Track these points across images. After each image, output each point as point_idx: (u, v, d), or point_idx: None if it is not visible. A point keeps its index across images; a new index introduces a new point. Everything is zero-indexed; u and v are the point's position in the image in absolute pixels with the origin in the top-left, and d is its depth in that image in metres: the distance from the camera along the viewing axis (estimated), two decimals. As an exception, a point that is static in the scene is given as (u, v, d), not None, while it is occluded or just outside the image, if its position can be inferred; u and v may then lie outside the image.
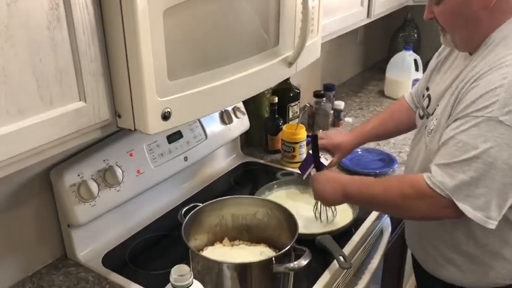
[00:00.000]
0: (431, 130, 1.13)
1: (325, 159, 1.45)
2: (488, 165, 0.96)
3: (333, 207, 1.39)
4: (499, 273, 1.14)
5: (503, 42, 1.03)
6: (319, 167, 1.40)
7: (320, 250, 1.25)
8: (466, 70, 1.08)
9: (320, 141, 1.43)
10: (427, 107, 1.22)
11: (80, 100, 0.87)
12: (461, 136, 1.00)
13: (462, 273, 1.18)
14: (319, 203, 1.37)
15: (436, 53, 1.34)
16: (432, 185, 1.02)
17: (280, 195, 1.53)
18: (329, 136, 1.48)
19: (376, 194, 1.14)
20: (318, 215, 1.39)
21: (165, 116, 0.93)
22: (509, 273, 1.14)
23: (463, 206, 1.00)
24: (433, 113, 1.18)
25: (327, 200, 1.26)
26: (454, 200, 1.00)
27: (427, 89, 1.28)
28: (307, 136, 1.73)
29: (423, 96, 1.30)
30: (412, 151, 1.29)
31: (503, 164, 0.96)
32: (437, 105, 1.16)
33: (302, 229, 1.18)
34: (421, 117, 1.26)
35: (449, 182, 1.00)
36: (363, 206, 1.24)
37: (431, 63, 1.34)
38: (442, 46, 1.30)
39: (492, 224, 1.00)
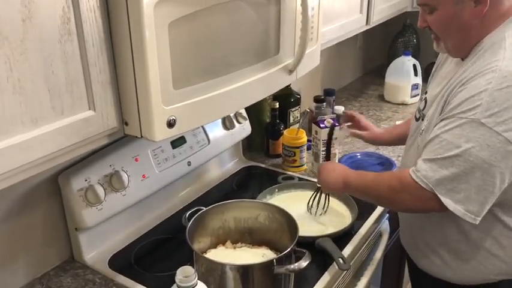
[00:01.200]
0: (422, 131, 1.20)
1: (336, 149, 1.66)
2: (469, 163, 1.03)
3: (325, 205, 1.46)
4: (487, 268, 1.18)
5: (490, 49, 1.08)
6: (328, 154, 1.53)
7: (320, 252, 1.29)
8: (457, 75, 1.13)
9: (359, 115, 1.63)
10: (423, 109, 1.27)
11: (89, 109, 0.91)
12: (446, 135, 1.06)
13: (452, 269, 1.22)
14: (313, 197, 1.46)
15: (437, 59, 1.39)
16: (416, 178, 1.09)
17: (281, 199, 1.57)
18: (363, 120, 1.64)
19: (369, 185, 1.23)
20: (309, 207, 1.46)
21: (170, 124, 0.97)
22: (498, 269, 1.18)
23: (444, 200, 1.06)
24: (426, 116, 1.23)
25: (327, 184, 1.34)
26: (437, 193, 1.06)
27: (426, 92, 1.33)
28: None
29: (420, 99, 1.36)
30: (407, 152, 1.34)
31: (483, 162, 1.02)
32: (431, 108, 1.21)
33: (302, 232, 1.21)
34: (417, 119, 1.30)
35: (433, 176, 1.06)
36: (358, 196, 1.32)
37: (433, 69, 1.39)
38: (439, 56, 1.35)
39: (471, 218, 1.05)
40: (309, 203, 1.47)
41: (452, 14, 1.09)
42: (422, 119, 1.25)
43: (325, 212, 1.47)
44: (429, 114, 1.19)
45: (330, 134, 1.57)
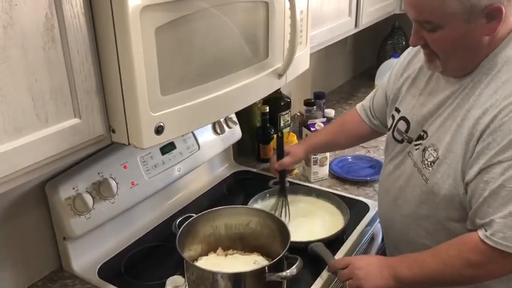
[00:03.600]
0: (431, 162, 1.09)
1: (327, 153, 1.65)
2: None
3: (288, 213, 1.46)
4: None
5: (505, 67, 1.00)
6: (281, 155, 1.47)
7: (313, 257, 1.28)
8: (468, 99, 1.03)
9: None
10: (406, 131, 1.19)
11: (75, 117, 0.89)
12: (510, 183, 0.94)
13: None
14: (281, 203, 1.46)
15: (395, 70, 1.30)
16: (497, 245, 0.96)
17: (272, 204, 1.55)
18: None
19: (437, 271, 1.04)
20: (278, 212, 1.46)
21: (158, 130, 0.95)
22: None
23: None
24: (418, 139, 1.15)
25: (377, 287, 1.09)
26: None
27: (397, 110, 1.24)
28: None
29: (392, 117, 1.26)
30: (389, 178, 1.25)
31: None
32: (425, 133, 1.12)
33: (294, 237, 1.20)
34: (399, 141, 1.22)
35: None
36: (418, 286, 1.11)
37: (394, 79, 1.29)
38: (401, 64, 1.27)
39: None
40: (275, 210, 1.46)
41: (462, 33, 0.98)
42: (409, 142, 1.18)
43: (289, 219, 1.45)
44: (439, 146, 1.07)
45: (280, 145, 1.48)
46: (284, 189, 1.52)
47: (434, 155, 1.08)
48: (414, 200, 1.16)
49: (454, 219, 1.09)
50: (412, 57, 1.27)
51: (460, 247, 1.03)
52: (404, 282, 1.08)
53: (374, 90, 1.45)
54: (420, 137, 1.15)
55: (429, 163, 1.10)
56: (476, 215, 1.01)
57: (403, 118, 1.21)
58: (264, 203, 1.55)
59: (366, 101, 1.47)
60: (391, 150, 1.27)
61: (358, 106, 1.49)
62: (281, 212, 1.46)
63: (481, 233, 0.99)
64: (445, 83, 1.12)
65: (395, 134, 1.24)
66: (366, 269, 1.11)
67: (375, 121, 1.43)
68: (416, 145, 1.16)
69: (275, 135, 1.56)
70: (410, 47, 1.27)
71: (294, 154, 1.47)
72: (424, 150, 1.12)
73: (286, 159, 1.46)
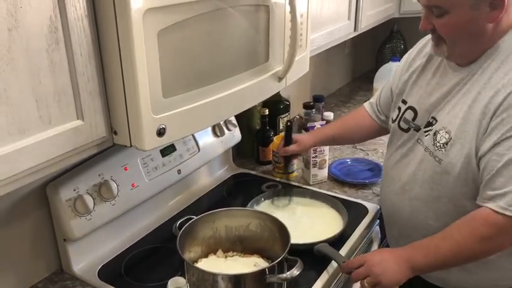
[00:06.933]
0: (444, 144, 1.13)
1: (326, 156, 1.70)
2: None
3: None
4: (494, 276, 1.15)
5: None
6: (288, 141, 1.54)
7: (313, 259, 1.28)
8: (478, 84, 1.09)
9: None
10: (413, 119, 1.24)
11: (78, 119, 0.89)
12: None
13: (455, 278, 1.19)
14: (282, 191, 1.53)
15: (401, 65, 1.36)
16: (510, 213, 0.99)
17: (267, 206, 1.55)
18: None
19: (452, 253, 1.06)
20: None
21: (160, 132, 0.96)
22: (508, 277, 1.15)
23: None
24: (427, 126, 1.19)
25: (392, 279, 1.09)
26: None
27: (404, 101, 1.29)
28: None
29: (398, 108, 1.31)
30: (398, 164, 1.29)
31: None
32: (434, 119, 1.16)
33: (294, 239, 1.20)
34: (406, 130, 1.27)
35: None
36: (435, 271, 1.15)
37: (400, 75, 1.35)
38: (406, 59, 1.34)
39: None
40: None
41: (467, 18, 1.05)
42: (416, 130, 1.22)
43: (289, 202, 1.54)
44: (451, 127, 1.12)
45: (288, 131, 1.55)
46: (286, 173, 1.60)
47: (447, 137, 1.12)
48: (427, 183, 1.19)
49: (466, 197, 1.12)
50: (417, 52, 1.33)
51: (470, 224, 1.05)
52: (423, 271, 1.11)
53: (380, 89, 1.50)
54: (429, 124, 1.19)
55: (441, 145, 1.13)
56: (488, 186, 1.04)
57: (410, 108, 1.25)
58: (261, 205, 1.55)
59: (373, 98, 1.53)
60: (396, 141, 1.31)
61: (366, 103, 1.55)
62: (281, 201, 1.49)
63: (493, 205, 1.01)
64: (452, 72, 1.17)
65: (402, 123, 1.28)
66: (383, 265, 1.10)
67: (381, 116, 1.48)
68: (426, 131, 1.20)
69: (285, 124, 1.63)
70: (416, 45, 1.36)
71: (301, 143, 1.53)
72: (435, 134, 1.16)
73: (291, 147, 1.53)
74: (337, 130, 1.57)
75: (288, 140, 1.53)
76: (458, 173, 1.11)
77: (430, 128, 1.19)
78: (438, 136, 1.15)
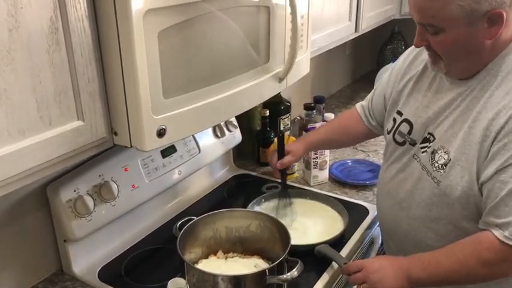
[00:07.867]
0: (442, 165, 1.09)
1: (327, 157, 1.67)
2: None
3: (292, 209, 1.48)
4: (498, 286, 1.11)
5: None
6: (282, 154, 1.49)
7: (313, 260, 1.28)
8: (478, 101, 1.05)
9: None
10: (409, 133, 1.20)
11: (78, 119, 0.89)
12: None
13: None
14: (283, 202, 1.49)
15: (395, 72, 1.30)
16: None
17: (268, 207, 1.55)
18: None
19: (452, 271, 1.04)
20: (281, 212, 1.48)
21: (161, 133, 0.96)
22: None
23: None
24: (424, 142, 1.15)
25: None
26: None
27: (399, 112, 1.25)
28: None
29: (394, 120, 1.27)
30: (394, 179, 1.24)
31: None
32: (432, 136, 1.13)
33: (294, 240, 1.20)
34: (401, 144, 1.22)
35: None
36: (432, 286, 1.11)
37: (394, 82, 1.29)
38: (401, 66, 1.28)
39: None
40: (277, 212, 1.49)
41: (464, 36, 1.00)
42: (412, 144, 1.18)
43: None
44: (450, 148, 1.08)
45: (281, 143, 1.50)
46: (286, 188, 1.54)
47: (446, 158, 1.09)
48: (424, 203, 1.16)
49: (467, 219, 1.09)
50: (413, 58, 1.27)
51: (474, 246, 1.04)
52: (419, 283, 1.08)
53: (373, 91, 1.46)
54: (426, 140, 1.15)
55: (440, 165, 1.10)
56: (492, 214, 1.02)
57: (405, 120, 1.22)
58: (261, 207, 1.55)
59: (365, 101, 1.49)
60: (390, 154, 1.27)
61: (358, 105, 1.51)
62: (286, 212, 1.46)
63: (498, 233, 0.99)
64: (449, 84, 1.13)
65: (397, 136, 1.24)
66: (380, 272, 1.10)
67: (372, 121, 1.44)
68: (422, 148, 1.16)
69: (276, 137, 1.58)
70: (410, 48, 1.29)
71: (294, 153, 1.49)
72: (433, 153, 1.12)
73: (286, 159, 1.48)
74: (324, 135, 1.53)
75: (281, 153, 1.48)
76: (459, 197, 1.07)
77: (427, 144, 1.15)
78: (436, 156, 1.11)
